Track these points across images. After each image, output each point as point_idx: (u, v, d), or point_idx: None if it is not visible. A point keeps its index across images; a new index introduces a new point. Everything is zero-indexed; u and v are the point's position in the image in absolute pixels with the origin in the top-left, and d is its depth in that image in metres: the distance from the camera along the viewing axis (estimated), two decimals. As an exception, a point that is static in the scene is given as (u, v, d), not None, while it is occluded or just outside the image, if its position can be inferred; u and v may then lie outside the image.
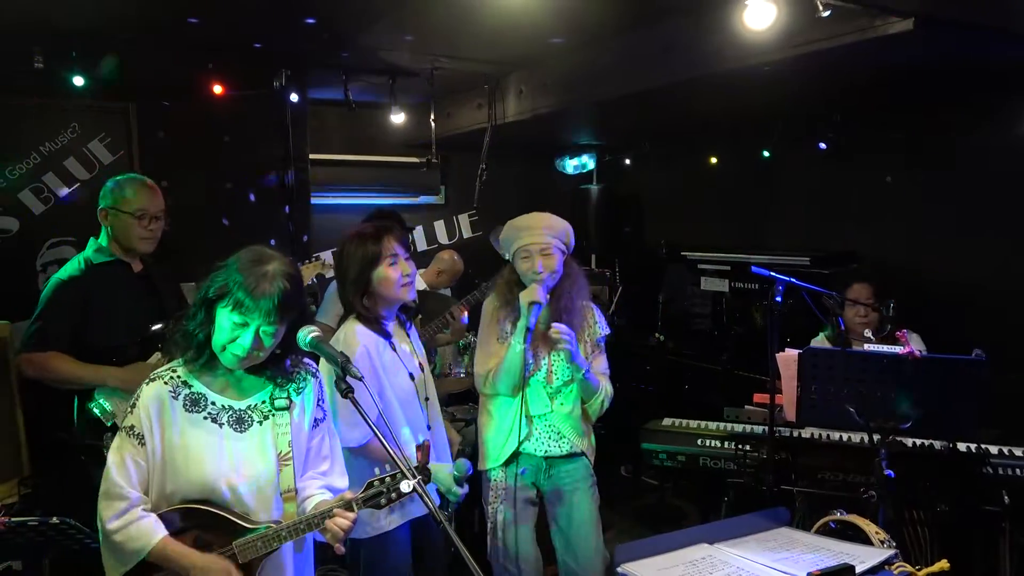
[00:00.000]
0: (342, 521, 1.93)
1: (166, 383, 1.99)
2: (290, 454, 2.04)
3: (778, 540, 2.10)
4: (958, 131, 4.28)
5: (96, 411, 2.88)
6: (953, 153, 4.30)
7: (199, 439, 1.98)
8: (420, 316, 3.74)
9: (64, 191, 4.58)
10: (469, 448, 3.66)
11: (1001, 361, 2.81)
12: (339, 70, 4.59)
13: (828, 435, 3.29)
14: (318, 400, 2.17)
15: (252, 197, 4.99)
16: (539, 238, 2.91)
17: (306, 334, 2.01)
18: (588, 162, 6.70)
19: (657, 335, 5.44)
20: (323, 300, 3.86)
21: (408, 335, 2.83)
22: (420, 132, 5.49)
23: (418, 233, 6.53)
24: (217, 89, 4.65)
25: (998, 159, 4.09)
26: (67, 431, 2.93)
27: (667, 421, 3.70)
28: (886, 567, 1.93)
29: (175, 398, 1.98)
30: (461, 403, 4.36)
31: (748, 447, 3.36)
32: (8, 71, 3.90)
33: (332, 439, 2.21)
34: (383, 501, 1.95)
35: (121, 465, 1.95)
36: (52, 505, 2.38)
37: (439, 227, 6.62)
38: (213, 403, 2.02)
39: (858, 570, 1.84)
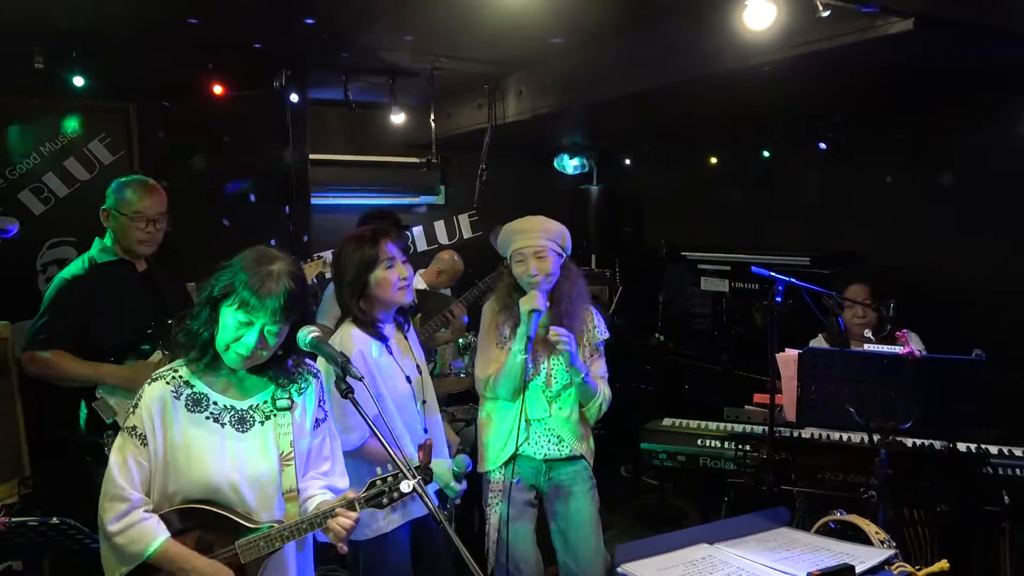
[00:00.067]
0: (345, 521, 1.94)
1: (168, 383, 1.99)
2: (292, 454, 2.04)
3: (778, 540, 2.10)
4: (958, 131, 4.28)
5: (97, 409, 2.89)
6: (953, 153, 4.30)
7: (201, 439, 1.98)
8: (420, 315, 3.75)
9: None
10: (468, 448, 3.66)
11: (1001, 361, 2.81)
12: (339, 70, 4.59)
13: (828, 435, 3.29)
14: (319, 401, 2.17)
15: (252, 197, 4.99)
16: (534, 240, 2.92)
17: (306, 334, 2.01)
18: (588, 162, 6.70)
19: (657, 335, 5.44)
20: (321, 301, 3.86)
21: (406, 337, 2.82)
22: (420, 132, 5.49)
23: (418, 233, 6.54)
24: (217, 89, 4.65)
25: (998, 159, 4.08)
26: (69, 429, 2.94)
27: (667, 421, 3.70)
28: (886, 567, 1.93)
29: (177, 398, 1.98)
30: (461, 403, 4.36)
31: (748, 447, 3.36)
32: (8, 71, 3.90)
33: (333, 440, 2.21)
34: (385, 501, 1.95)
35: (123, 466, 1.95)
36: (52, 505, 2.38)
37: (439, 227, 6.63)
38: (215, 403, 2.02)
39: (858, 570, 1.84)
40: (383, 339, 2.68)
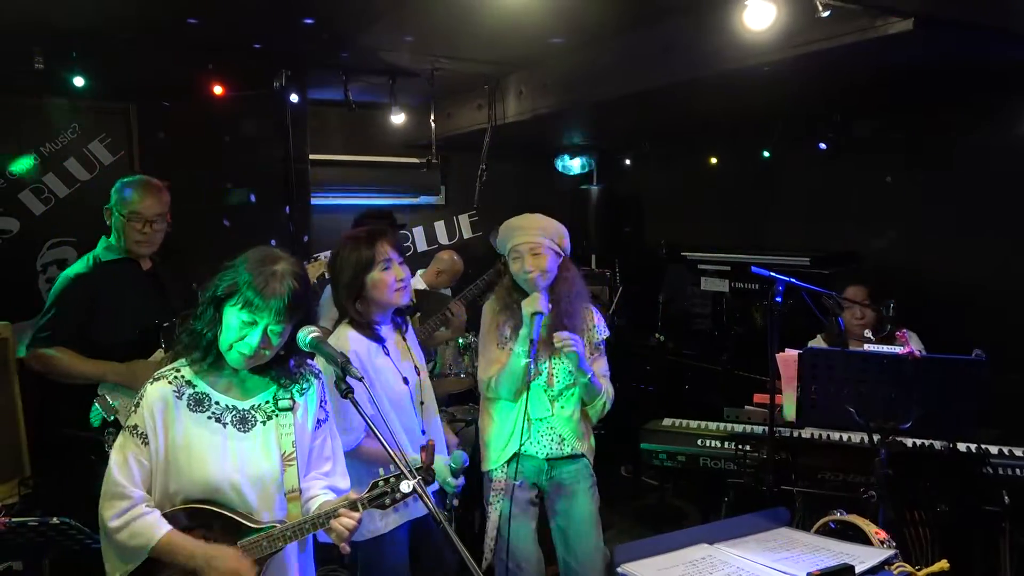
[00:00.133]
0: (347, 521, 1.94)
1: (170, 383, 1.99)
2: (294, 454, 2.05)
3: (778, 540, 2.10)
4: (958, 131, 4.28)
5: (99, 407, 2.90)
6: (953, 153, 4.30)
7: (203, 439, 1.98)
8: (419, 315, 3.74)
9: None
10: (469, 448, 3.66)
11: (1001, 361, 2.81)
12: (339, 70, 4.58)
13: (828, 435, 3.29)
14: (321, 401, 2.17)
15: (252, 198, 4.99)
16: (530, 237, 2.92)
17: (306, 334, 2.02)
18: (588, 162, 6.70)
19: (657, 335, 5.44)
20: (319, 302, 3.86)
21: (405, 338, 2.82)
22: (420, 132, 5.49)
23: (418, 233, 6.54)
24: (217, 89, 4.65)
25: (998, 159, 4.08)
26: (78, 426, 2.95)
27: (667, 421, 3.70)
28: (886, 567, 1.93)
29: (179, 398, 1.99)
30: (461, 403, 4.36)
31: (748, 447, 3.36)
32: (8, 71, 3.90)
33: (334, 440, 2.22)
34: (388, 501, 1.96)
35: (124, 464, 1.95)
36: (52, 505, 2.38)
37: (439, 227, 6.63)
38: (217, 403, 2.02)
39: (858, 570, 1.84)
40: (379, 340, 2.67)
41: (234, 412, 2.03)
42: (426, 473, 2.02)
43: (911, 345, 2.65)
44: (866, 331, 3.20)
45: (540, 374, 2.96)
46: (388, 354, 2.69)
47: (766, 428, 3.12)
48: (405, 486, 1.91)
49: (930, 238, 4.40)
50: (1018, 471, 2.98)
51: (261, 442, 2.03)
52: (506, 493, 2.99)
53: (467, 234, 6.68)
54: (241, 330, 1.94)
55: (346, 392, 1.96)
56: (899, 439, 2.72)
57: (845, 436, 3.26)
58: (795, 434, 3.28)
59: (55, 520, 2.14)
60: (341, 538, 1.95)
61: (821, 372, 2.75)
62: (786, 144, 5.13)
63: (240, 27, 3.80)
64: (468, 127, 5.29)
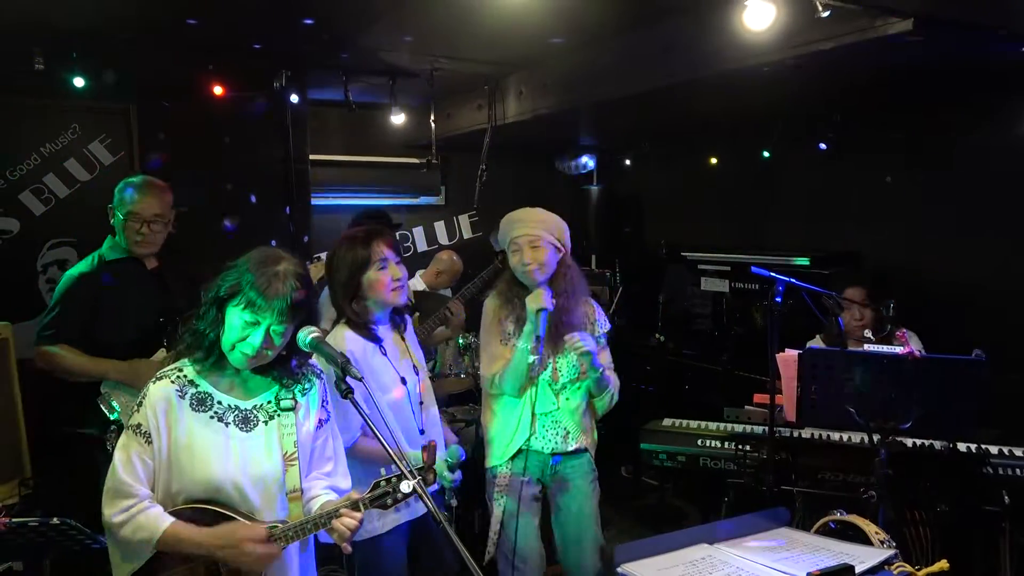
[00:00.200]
0: (349, 521, 1.94)
1: (173, 382, 1.99)
2: (296, 454, 2.05)
3: (778, 540, 2.10)
4: (958, 131, 4.28)
5: (101, 405, 2.91)
6: (953, 153, 4.30)
7: (205, 438, 1.98)
8: (418, 314, 3.74)
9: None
10: (469, 448, 3.65)
11: (1001, 361, 2.81)
12: (339, 71, 4.58)
13: (828, 435, 3.29)
14: (323, 401, 2.17)
15: (252, 198, 4.99)
16: (529, 230, 2.92)
17: (306, 335, 2.02)
18: (588, 162, 6.70)
19: (657, 335, 5.44)
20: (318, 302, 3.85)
21: (404, 338, 2.82)
22: (420, 133, 5.50)
23: (418, 233, 6.54)
24: (217, 90, 4.65)
25: (998, 159, 4.09)
26: (82, 425, 2.96)
27: (667, 421, 3.70)
28: (886, 567, 1.93)
29: (182, 397, 1.99)
30: (461, 403, 4.36)
31: (748, 447, 3.36)
32: (8, 71, 3.90)
33: (336, 440, 2.22)
34: (389, 501, 1.96)
35: (127, 463, 1.95)
36: (53, 505, 2.38)
37: (439, 228, 6.63)
38: (219, 402, 2.02)
39: (858, 570, 1.84)
40: (376, 340, 2.67)
41: (236, 412, 2.03)
42: (427, 473, 2.02)
43: (911, 345, 2.66)
44: (866, 331, 3.20)
45: (544, 368, 2.96)
46: (385, 354, 2.68)
47: (766, 428, 3.12)
48: (405, 486, 1.92)
49: (930, 238, 4.40)
50: (1018, 471, 2.99)
51: (263, 442, 2.03)
52: (510, 489, 2.99)
53: (467, 234, 6.68)
54: (244, 330, 1.95)
55: (346, 392, 1.96)
56: (899, 439, 2.73)
57: (845, 436, 3.26)
58: (795, 434, 3.28)
59: (55, 520, 2.14)
60: (343, 538, 1.95)
61: (821, 372, 2.75)
62: (786, 144, 5.13)
63: (240, 27, 3.80)
64: (468, 127, 5.29)
